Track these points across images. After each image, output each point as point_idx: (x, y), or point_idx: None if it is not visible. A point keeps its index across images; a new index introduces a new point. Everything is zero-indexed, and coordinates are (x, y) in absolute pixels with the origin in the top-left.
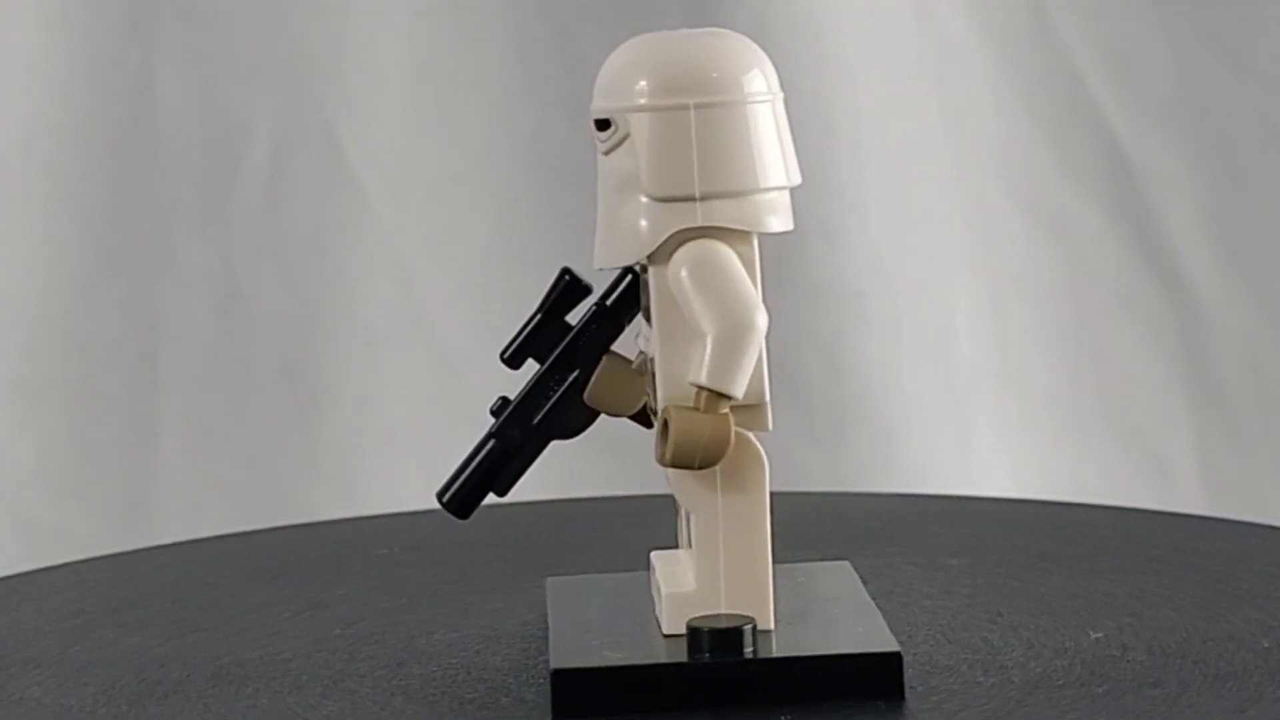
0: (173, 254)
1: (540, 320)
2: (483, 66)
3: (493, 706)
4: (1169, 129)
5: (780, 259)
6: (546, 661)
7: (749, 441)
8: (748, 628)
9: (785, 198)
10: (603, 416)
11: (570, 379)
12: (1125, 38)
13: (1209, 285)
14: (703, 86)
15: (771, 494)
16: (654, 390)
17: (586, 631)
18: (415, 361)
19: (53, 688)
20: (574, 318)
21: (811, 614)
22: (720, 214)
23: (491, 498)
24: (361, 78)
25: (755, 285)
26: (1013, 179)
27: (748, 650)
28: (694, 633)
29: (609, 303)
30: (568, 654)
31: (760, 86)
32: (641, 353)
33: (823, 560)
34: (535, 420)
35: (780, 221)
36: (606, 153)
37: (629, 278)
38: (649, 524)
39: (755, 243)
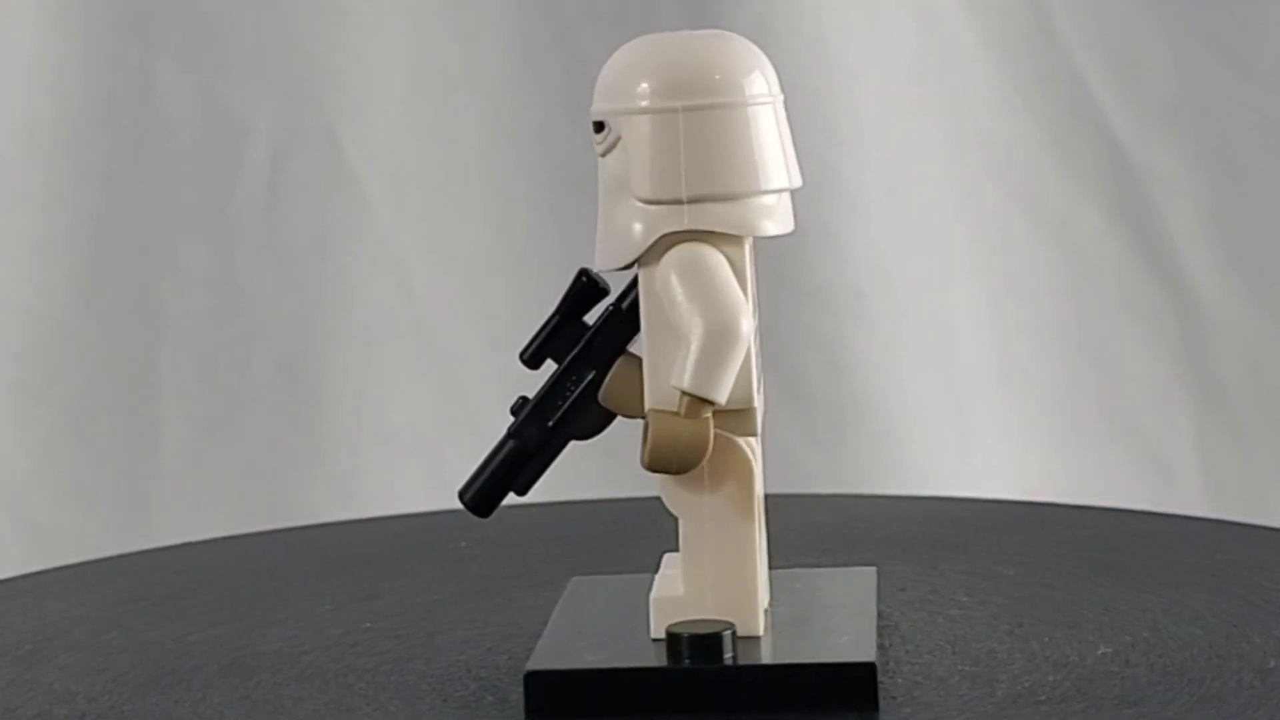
0: (173, 254)
1: (559, 321)
2: (483, 67)
3: (474, 706)
4: (1169, 129)
5: (781, 259)
6: None
7: (736, 446)
8: (727, 633)
9: (784, 200)
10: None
11: (586, 380)
12: (1125, 38)
13: (1209, 285)
14: (693, 89)
15: (824, 496)
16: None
17: (579, 633)
18: (415, 362)
19: (77, 673)
20: (592, 318)
21: (807, 621)
22: (710, 217)
23: (553, 495)
24: (361, 78)
25: (746, 290)
26: (1013, 179)
27: (727, 656)
28: (673, 638)
29: (624, 304)
30: (548, 655)
31: (759, 89)
32: None
33: (859, 565)
34: (551, 421)
35: (776, 224)
36: (602, 155)
37: None
38: None
39: (747, 247)
